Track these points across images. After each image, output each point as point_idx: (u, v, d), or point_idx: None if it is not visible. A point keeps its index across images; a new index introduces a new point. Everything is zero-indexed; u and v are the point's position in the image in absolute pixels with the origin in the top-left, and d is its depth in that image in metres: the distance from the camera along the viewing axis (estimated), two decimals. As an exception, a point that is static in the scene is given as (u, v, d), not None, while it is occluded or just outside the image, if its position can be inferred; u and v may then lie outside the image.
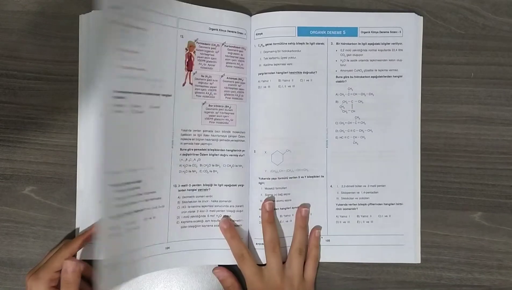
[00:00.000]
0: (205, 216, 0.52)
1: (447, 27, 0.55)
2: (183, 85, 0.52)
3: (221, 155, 0.52)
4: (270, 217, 0.51)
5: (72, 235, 0.54)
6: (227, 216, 0.53)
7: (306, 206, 0.53)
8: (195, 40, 0.53)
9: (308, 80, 0.53)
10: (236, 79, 0.53)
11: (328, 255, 0.53)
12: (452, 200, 0.54)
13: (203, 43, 0.53)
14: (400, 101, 0.53)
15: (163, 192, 0.51)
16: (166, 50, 0.52)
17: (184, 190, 0.52)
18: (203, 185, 0.52)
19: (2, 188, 0.54)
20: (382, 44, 0.54)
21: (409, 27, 0.54)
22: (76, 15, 0.54)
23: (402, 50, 0.54)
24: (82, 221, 0.53)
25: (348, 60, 0.54)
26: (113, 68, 0.47)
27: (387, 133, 0.53)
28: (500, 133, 0.54)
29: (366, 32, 0.54)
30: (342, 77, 0.53)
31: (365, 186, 0.53)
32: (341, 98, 0.53)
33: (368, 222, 0.53)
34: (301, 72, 0.53)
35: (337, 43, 0.53)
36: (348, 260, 0.53)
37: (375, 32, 0.54)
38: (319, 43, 0.53)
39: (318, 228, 0.53)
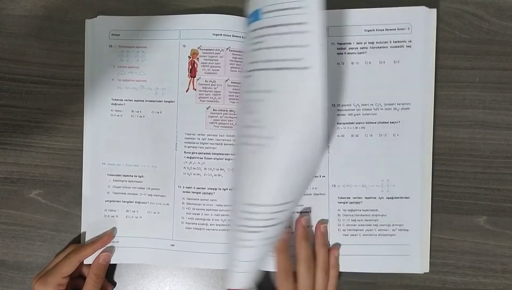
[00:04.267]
0: (209, 219, 0.52)
1: (451, 31, 0.54)
2: (187, 91, 0.53)
3: (225, 159, 0.53)
4: (305, 232, 0.51)
5: (78, 239, 0.54)
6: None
7: (324, 222, 0.52)
8: (198, 47, 0.53)
9: None
10: (240, 83, 0.53)
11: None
12: (457, 204, 0.54)
13: (206, 49, 0.53)
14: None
15: (167, 191, 0.53)
16: (169, 61, 0.53)
17: (188, 192, 0.53)
18: (208, 188, 0.52)
19: (9, 191, 0.55)
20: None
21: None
22: (82, 20, 0.55)
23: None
24: (88, 225, 0.53)
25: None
26: (111, 81, 0.53)
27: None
28: (505, 137, 0.54)
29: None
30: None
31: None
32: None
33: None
34: None
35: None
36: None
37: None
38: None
39: (336, 247, 0.52)
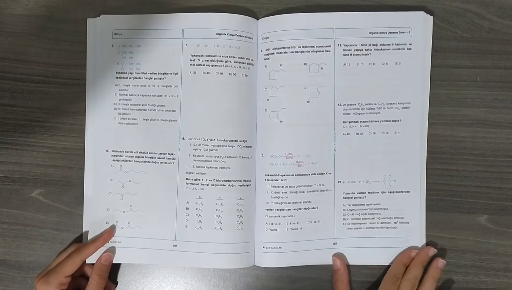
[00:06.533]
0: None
1: (453, 30, 0.55)
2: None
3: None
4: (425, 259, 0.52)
5: (79, 238, 0.54)
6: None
7: (442, 258, 0.52)
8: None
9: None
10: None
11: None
12: (458, 203, 0.54)
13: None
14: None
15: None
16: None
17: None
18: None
19: (10, 191, 0.55)
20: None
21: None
22: (84, 19, 0.55)
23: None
24: (90, 224, 0.53)
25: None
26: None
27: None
28: (506, 136, 0.54)
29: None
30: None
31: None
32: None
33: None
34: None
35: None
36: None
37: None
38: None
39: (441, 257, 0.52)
